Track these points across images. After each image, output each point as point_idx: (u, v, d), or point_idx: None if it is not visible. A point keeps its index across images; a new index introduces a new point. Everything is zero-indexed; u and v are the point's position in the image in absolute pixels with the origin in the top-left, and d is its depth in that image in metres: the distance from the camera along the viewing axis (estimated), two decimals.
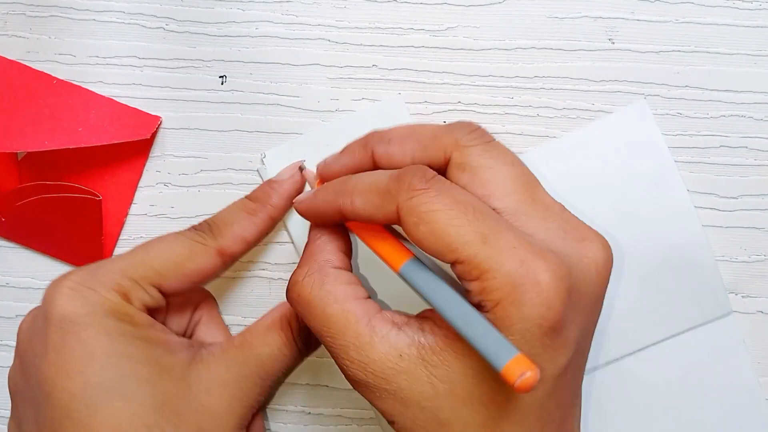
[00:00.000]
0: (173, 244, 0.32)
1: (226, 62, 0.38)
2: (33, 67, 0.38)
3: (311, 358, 0.38)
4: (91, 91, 0.38)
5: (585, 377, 0.31)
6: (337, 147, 0.37)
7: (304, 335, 0.34)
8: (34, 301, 0.37)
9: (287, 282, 0.30)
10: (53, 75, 0.38)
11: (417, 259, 0.28)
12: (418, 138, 0.30)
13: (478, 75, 0.37)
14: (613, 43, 0.37)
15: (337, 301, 0.28)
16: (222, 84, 0.38)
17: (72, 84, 0.38)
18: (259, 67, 0.38)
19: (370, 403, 0.28)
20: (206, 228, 0.33)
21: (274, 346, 0.33)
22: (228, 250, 0.33)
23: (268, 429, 0.39)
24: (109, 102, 0.37)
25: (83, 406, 0.29)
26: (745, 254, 0.37)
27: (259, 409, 0.33)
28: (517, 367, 0.24)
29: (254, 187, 0.37)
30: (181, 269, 0.32)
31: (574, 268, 0.27)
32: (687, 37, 0.37)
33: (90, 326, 0.29)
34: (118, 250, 0.38)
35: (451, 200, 0.26)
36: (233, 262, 0.34)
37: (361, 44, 0.37)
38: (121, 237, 0.38)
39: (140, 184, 0.38)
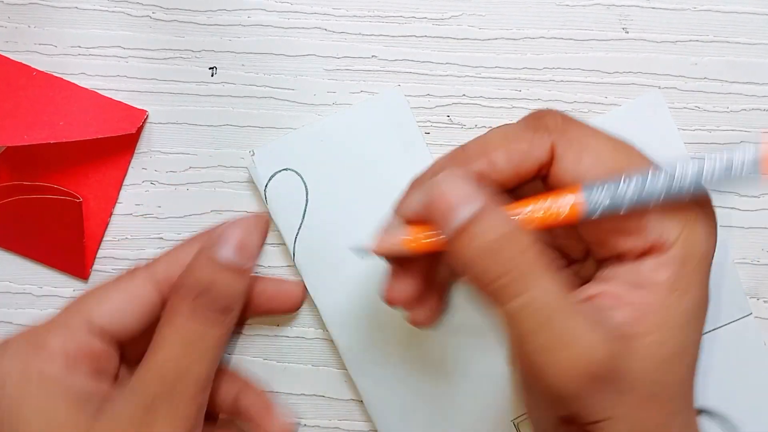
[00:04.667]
0: (112, 291, 0.31)
1: (217, 53, 0.36)
2: (11, 58, 0.37)
3: (307, 367, 0.36)
4: (73, 83, 0.37)
5: None
6: (334, 143, 0.35)
7: (204, 303, 0.29)
8: (12, 306, 0.37)
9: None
10: (33, 66, 0.37)
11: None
12: (509, 136, 0.27)
13: (483, 66, 0.36)
14: (627, 32, 0.36)
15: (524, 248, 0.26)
16: (212, 76, 0.37)
17: (53, 76, 0.37)
18: (251, 57, 0.36)
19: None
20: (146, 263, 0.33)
21: (171, 343, 0.29)
22: (168, 282, 0.31)
23: None
24: (92, 95, 0.36)
25: None
26: (767, 257, 0.36)
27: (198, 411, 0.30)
28: None
29: (246, 185, 0.37)
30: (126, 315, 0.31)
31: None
32: (705, 26, 0.36)
33: None
34: (102, 251, 0.37)
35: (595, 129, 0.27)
36: None
37: (359, 33, 0.36)
38: (105, 238, 0.37)
39: (125, 182, 0.37)
